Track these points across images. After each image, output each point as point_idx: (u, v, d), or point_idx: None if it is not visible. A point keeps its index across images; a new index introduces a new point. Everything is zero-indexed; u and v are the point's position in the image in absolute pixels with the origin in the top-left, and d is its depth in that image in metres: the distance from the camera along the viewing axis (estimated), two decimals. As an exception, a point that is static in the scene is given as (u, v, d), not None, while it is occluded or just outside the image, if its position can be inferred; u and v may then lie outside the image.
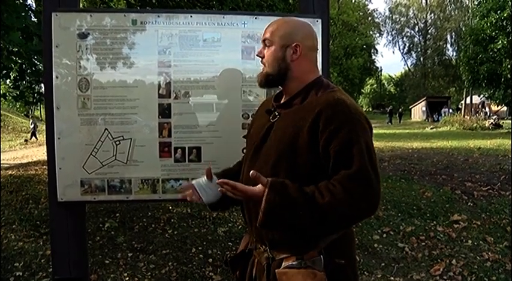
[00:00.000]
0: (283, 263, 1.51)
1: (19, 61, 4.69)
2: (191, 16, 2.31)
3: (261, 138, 1.61)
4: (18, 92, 5.35)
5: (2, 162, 11.23)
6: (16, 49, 4.11)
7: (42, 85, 5.38)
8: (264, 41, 1.63)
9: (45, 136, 2.31)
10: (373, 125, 1.55)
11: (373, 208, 1.44)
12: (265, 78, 1.63)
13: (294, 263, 1.49)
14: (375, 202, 1.42)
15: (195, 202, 1.72)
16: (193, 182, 1.72)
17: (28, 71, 5.02)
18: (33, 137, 23.12)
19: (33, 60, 4.72)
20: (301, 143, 1.46)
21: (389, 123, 34.94)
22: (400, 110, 41.65)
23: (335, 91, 1.55)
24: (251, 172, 1.43)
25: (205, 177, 1.68)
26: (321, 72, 1.70)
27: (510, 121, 24.94)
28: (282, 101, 1.64)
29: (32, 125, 23.54)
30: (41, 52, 4.86)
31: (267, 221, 1.43)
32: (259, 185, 1.44)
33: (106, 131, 2.26)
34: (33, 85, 5.19)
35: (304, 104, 1.54)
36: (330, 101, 1.47)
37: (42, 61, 5.09)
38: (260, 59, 1.65)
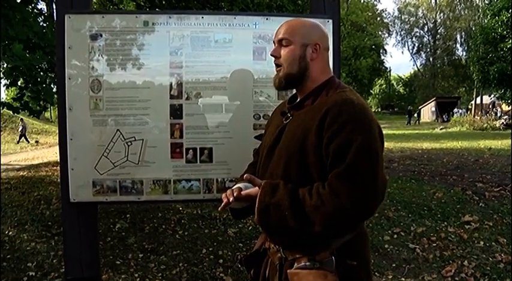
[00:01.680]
0: (295, 264, 1.51)
1: (20, 76, 4.61)
2: (202, 17, 2.31)
3: (274, 140, 1.62)
4: (22, 102, 5.25)
5: (13, 163, 11.34)
6: (17, 65, 4.02)
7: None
8: (280, 40, 1.60)
9: (58, 137, 2.32)
10: (382, 126, 1.53)
11: (360, 209, 1.39)
12: (286, 79, 1.60)
13: (305, 263, 1.48)
14: (363, 203, 1.38)
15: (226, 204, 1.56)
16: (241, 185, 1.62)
17: (32, 84, 4.89)
18: (23, 140, 21.89)
19: (35, 74, 4.57)
20: (310, 143, 1.46)
21: (409, 124, 35.11)
22: (417, 111, 41.62)
23: (345, 91, 1.54)
24: (245, 175, 1.55)
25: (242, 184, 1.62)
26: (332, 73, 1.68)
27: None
28: (295, 103, 1.64)
29: (21, 128, 22.16)
30: (50, 62, 4.82)
31: (261, 221, 1.47)
32: (256, 187, 1.52)
33: (118, 132, 2.27)
34: (38, 96, 5.10)
35: (315, 104, 1.55)
36: (337, 100, 1.47)
37: (46, 72, 5.05)
38: (274, 59, 1.63)
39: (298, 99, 1.63)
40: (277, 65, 1.62)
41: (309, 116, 1.51)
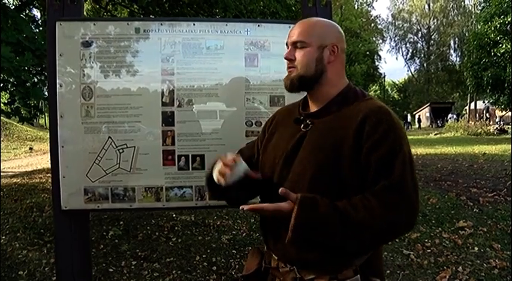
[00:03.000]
0: None
1: (9, 79, 4.54)
2: (194, 24, 2.31)
3: (292, 149, 1.50)
4: (13, 107, 5.19)
5: (6, 170, 11.27)
6: (5, 66, 3.98)
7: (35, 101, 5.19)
8: (295, 43, 1.50)
9: (48, 144, 2.31)
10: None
11: (410, 223, 1.37)
12: (299, 80, 1.49)
13: None
14: (413, 217, 1.35)
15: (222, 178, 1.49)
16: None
17: (20, 87, 4.82)
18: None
19: (22, 77, 4.51)
20: (345, 154, 1.37)
21: (409, 128, 35.52)
22: (418, 117, 41.79)
23: (373, 99, 1.51)
24: (280, 190, 1.36)
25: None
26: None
27: (515, 126, 24.83)
28: (313, 110, 1.55)
29: None
30: (41, 65, 4.79)
31: (296, 239, 1.35)
32: (288, 201, 1.37)
33: (109, 139, 2.26)
34: (27, 100, 5.02)
35: (343, 112, 1.46)
36: (373, 109, 1.42)
37: (36, 75, 5.02)
38: (287, 62, 1.54)
39: (320, 107, 1.52)
40: (290, 67, 1.53)
41: (338, 124, 1.43)
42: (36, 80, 4.85)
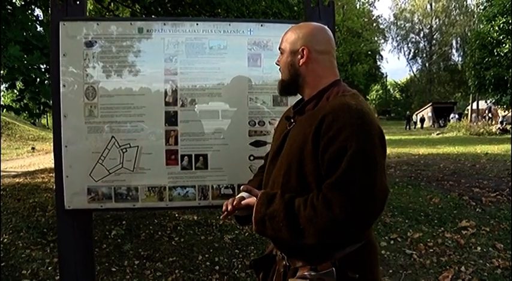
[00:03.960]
0: (298, 273, 1.49)
1: (18, 77, 4.57)
2: (197, 24, 2.32)
3: (278, 146, 1.60)
4: (22, 104, 5.22)
5: (9, 170, 11.28)
6: (15, 65, 3.99)
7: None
8: (279, 49, 1.64)
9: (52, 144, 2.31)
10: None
11: (354, 221, 1.34)
12: (280, 86, 1.65)
13: (306, 273, 1.45)
14: (357, 215, 1.32)
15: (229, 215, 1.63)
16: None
17: (31, 85, 4.83)
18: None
19: (32, 75, 4.53)
20: (307, 152, 1.43)
21: (409, 129, 35.61)
22: (421, 117, 41.53)
23: (345, 95, 1.48)
24: (242, 187, 1.61)
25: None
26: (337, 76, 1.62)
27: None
28: (298, 107, 1.62)
29: None
30: (47, 63, 4.81)
31: (258, 230, 1.49)
32: (254, 197, 1.53)
33: (113, 139, 2.26)
34: (37, 97, 5.04)
35: (315, 110, 1.51)
36: (334, 106, 1.42)
37: (44, 73, 5.04)
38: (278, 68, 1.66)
39: (301, 104, 1.60)
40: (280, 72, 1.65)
41: (308, 122, 1.47)
42: (45, 77, 4.87)
